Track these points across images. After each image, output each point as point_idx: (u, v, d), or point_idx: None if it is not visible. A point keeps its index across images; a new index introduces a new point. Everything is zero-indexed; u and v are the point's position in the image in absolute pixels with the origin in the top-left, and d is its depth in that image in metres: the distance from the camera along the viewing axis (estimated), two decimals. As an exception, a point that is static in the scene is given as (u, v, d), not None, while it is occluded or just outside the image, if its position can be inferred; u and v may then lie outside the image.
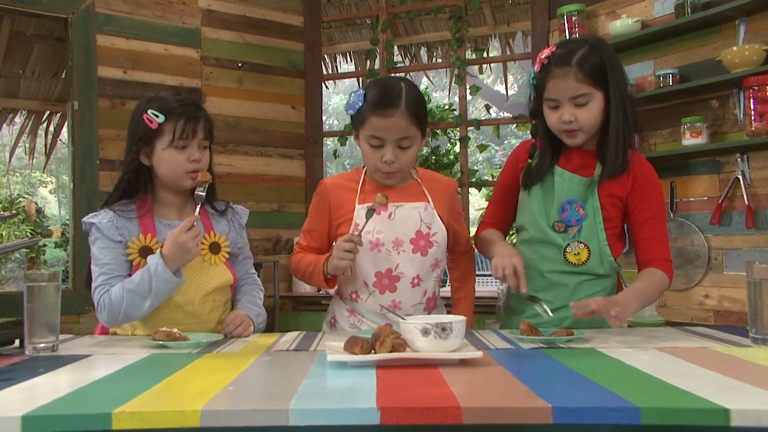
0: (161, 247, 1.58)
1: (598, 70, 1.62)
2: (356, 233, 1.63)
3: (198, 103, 1.71)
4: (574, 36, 3.50)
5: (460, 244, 1.86)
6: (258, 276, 1.91)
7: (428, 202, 1.74)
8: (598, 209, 1.68)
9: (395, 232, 1.70)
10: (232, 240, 1.78)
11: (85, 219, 1.67)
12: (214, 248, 1.73)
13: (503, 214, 1.87)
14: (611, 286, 1.74)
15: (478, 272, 2.03)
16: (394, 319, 1.61)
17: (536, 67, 1.69)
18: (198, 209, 1.62)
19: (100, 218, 1.65)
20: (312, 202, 1.82)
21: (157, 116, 1.63)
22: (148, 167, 1.69)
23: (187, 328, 1.65)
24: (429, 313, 1.74)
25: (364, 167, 1.80)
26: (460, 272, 1.91)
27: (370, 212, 1.63)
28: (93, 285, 1.63)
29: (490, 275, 3.76)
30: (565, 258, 1.70)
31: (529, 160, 1.78)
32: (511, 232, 1.98)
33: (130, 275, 1.63)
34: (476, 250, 1.91)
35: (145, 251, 1.63)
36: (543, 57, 1.66)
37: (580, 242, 1.69)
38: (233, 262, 1.79)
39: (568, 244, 1.70)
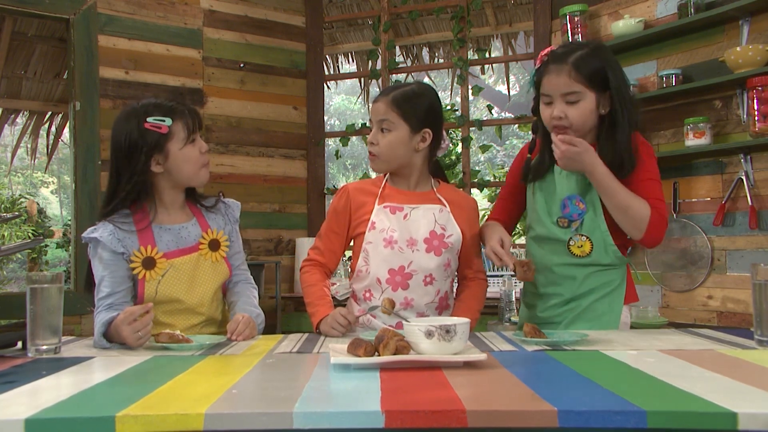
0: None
1: (596, 73, 1.65)
2: (357, 316, 1.71)
3: (182, 98, 1.73)
4: (576, 38, 3.50)
5: (471, 269, 1.86)
6: (260, 277, 1.91)
7: (445, 206, 1.78)
8: (598, 201, 1.70)
9: (410, 232, 1.74)
10: (227, 233, 1.78)
11: (84, 234, 1.64)
12: (214, 245, 1.73)
13: (509, 212, 1.91)
14: (620, 278, 1.75)
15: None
16: (405, 316, 1.64)
17: (536, 63, 1.75)
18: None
19: (101, 232, 1.62)
20: (332, 204, 1.86)
21: (164, 120, 1.62)
22: (150, 174, 1.66)
23: (200, 331, 1.68)
24: (441, 313, 1.77)
25: (385, 174, 1.85)
26: (467, 294, 1.86)
27: (372, 309, 1.71)
28: (95, 299, 1.63)
29: (492, 276, 3.76)
30: (570, 251, 1.73)
31: (528, 155, 1.83)
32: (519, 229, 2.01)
33: (136, 291, 1.64)
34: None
35: (149, 262, 1.63)
36: (543, 54, 1.73)
37: (582, 235, 1.73)
38: (227, 256, 1.79)
39: (571, 238, 1.73)
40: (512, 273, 1.73)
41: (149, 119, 1.62)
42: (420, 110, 1.75)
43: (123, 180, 1.64)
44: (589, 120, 1.68)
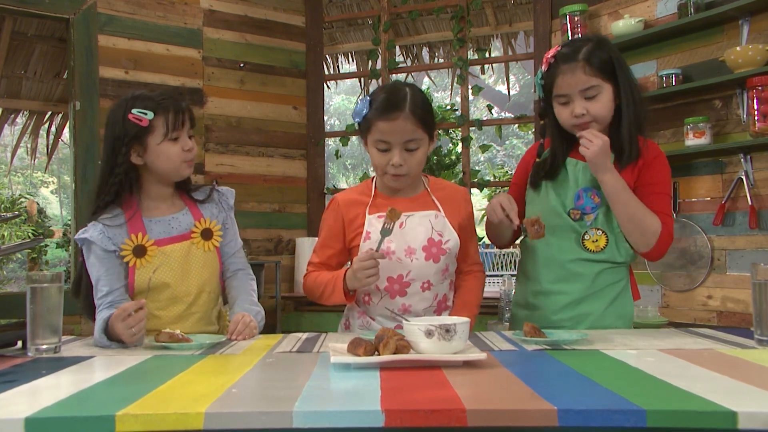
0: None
1: (606, 64, 1.66)
2: (374, 250, 1.61)
3: (177, 96, 1.73)
4: (576, 36, 3.50)
5: (467, 262, 1.83)
6: (260, 277, 1.90)
7: (439, 210, 1.75)
8: None
9: (407, 241, 1.71)
10: (221, 221, 1.79)
11: (76, 236, 1.67)
12: (207, 234, 1.73)
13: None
14: (627, 276, 1.76)
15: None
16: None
17: (543, 67, 1.72)
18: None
19: (91, 233, 1.64)
20: (324, 218, 1.82)
21: (145, 113, 1.64)
22: (134, 167, 1.68)
23: (193, 325, 1.69)
24: (440, 315, 1.74)
25: (373, 179, 1.82)
26: (464, 290, 1.83)
27: (385, 232, 1.62)
28: (95, 299, 1.64)
29: (492, 276, 3.77)
30: (584, 245, 1.71)
31: (537, 159, 1.81)
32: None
33: (127, 281, 1.65)
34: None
35: (139, 250, 1.64)
36: (549, 56, 1.71)
37: (598, 229, 1.71)
38: (222, 245, 1.78)
39: (586, 231, 1.71)
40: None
41: (133, 111, 1.64)
42: (432, 116, 1.71)
43: (108, 170, 1.67)
44: (610, 111, 1.68)
